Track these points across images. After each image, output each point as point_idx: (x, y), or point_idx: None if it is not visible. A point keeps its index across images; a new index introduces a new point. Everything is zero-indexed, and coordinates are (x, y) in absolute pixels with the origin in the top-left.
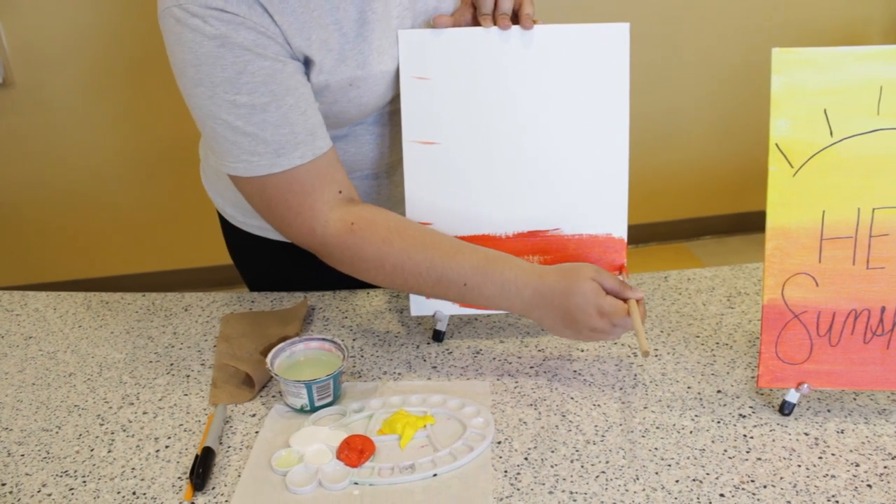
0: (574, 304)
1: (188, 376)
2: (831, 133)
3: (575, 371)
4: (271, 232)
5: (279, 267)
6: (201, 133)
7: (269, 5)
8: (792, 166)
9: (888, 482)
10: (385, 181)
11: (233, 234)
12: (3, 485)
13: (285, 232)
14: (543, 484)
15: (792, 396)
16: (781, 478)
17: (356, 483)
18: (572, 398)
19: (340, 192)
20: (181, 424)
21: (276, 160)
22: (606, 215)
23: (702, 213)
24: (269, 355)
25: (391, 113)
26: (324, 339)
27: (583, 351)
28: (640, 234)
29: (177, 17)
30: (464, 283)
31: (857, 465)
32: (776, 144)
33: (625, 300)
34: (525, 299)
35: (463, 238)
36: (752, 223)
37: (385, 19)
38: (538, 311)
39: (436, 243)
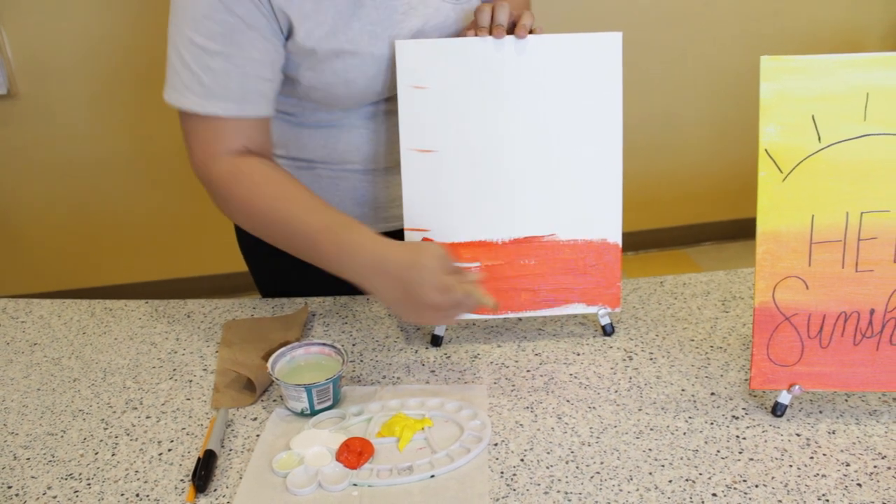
0: (415, 278)
1: (190, 381)
2: (819, 139)
3: (571, 374)
4: None
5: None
6: None
7: None
8: (781, 171)
9: (878, 481)
10: (381, 179)
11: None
12: (10, 487)
13: (190, 161)
14: (539, 485)
15: (784, 398)
16: (773, 477)
17: (355, 484)
18: (568, 401)
19: (247, 147)
20: (184, 428)
21: (202, 102)
22: (601, 221)
23: (701, 220)
24: (270, 360)
25: (387, 112)
26: (324, 344)
27: (579, 355)
28: (640, 241)
29: None
30: (312, 240)
31: (848, 465)
32: (766, 150)
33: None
34: (362, 265)
35: (460, 244)
36: (751, 229)
37: (384, 10)
38: (376, 280)
39: (301, 200)
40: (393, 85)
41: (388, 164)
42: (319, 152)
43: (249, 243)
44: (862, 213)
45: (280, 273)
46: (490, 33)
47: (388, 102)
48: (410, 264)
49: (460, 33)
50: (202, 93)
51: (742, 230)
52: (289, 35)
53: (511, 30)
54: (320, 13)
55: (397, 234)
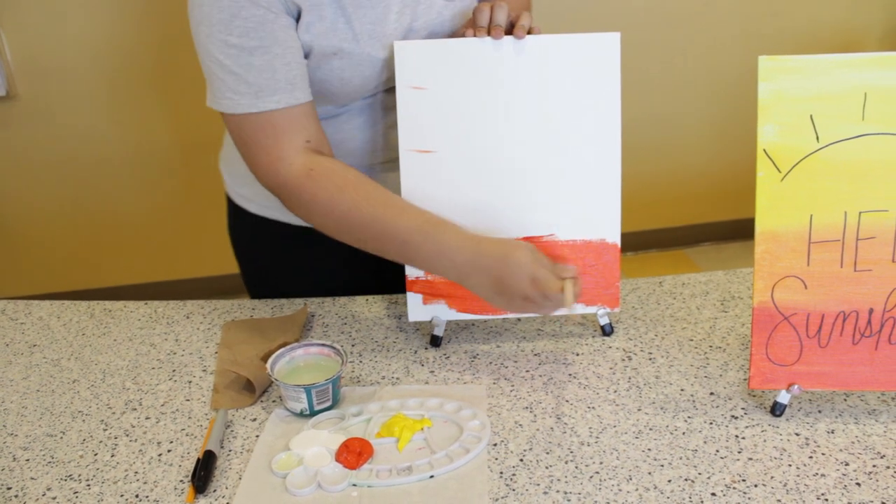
0: (508, 271)
1: (190, 382)
2: (818, 138)
3: (570, 374)
4: (278, 211)
5: (281, 253)
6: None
7: None
8: (779, 171)
9: (876, 480)
10: (377, 176)
11: (239, 217)
12: (9, 489)
13: (254, 170)
14: (538, 485)
15: (783, 397)
16: (772, 477)
17: (355, 485)
18: (567, 401)
19: (309, 141)
20: (183, 429)
21: (255, 101)
22: (600, 221)
23: (700, 220)
24: (270, 361)
25: (385, 109)
26: (323, 345)
27: (578, 355)
28: (639, 242)
29: None
30: (403, 241)
31: (847, 465)
32: (764, 150)
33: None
34: (461, 263)
35: None
36: (749, 229)
37: (381, 9)
38: (473, 277)
39: (385, 200)
40: (388, 80)
41: (384, 158)
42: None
43: (244, 246)
44: (860, 213)
45: (274, 277)
46: (488, 33)
47: (385, 94)
48: (503, 256)
49: (457, 32)
50: (251, 92)
51: (741, 230)
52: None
53: (509, 30)
54: (323, 8)
55: None
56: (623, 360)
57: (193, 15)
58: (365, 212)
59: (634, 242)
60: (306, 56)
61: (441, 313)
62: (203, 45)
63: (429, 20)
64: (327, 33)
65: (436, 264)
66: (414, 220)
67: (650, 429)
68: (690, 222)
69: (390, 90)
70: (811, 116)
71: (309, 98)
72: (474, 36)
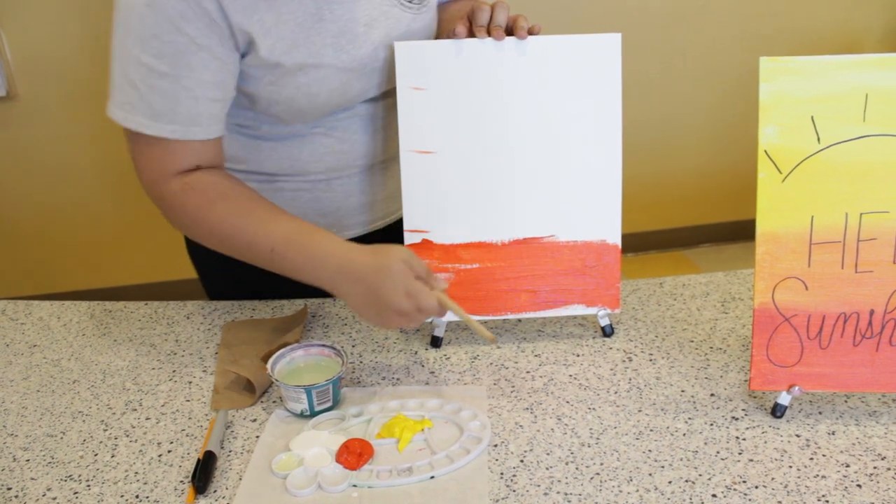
0: (381, 282)
1: (190, 382)
2: (819, 140)
3: (570, 375)
4: None
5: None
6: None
7: None
8: (780, 172)
9: (877, 482)
10: (343, 188)
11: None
12: (9, 489)
13: (138, 176)
14: (539, 486)
15: (783, 399)
16: (773, 478)
17: (355, 485)
18: (567, 402)
19: (199, 166)
20: (183, 429)
21: (149, 122)
22: (601, 222)
23: (700, 222)
24: (270, 361)
25: (350, 118)
26: (323, 346)
27: (578, 356)
28: (638, 243)
29: None
30: (271, 249)
31: (848, 466)
32: (765, 151)
33: (431, 289)
34: (331, 271)
35: (459, 245)
36: (749, 231)
37: (344, 23)
38: (344, 286)
39: (255, 211)
40: (355, 96)
41: (350, 172)
42: (280, 165)
43: (201, 249)
44: (861, 214)
45: (232, 277)
46: (489, 34)
47: (347, 111)
48: (377, 268)
49: (446, 30)
50: (149, 114)
51: (740, 232)
52: (248, 51)
53: (509, 30)
54: (280, 26)
55: (360, 241)
56: (623, 361)
57: (117, 18)
58: (233, 223)
59: (634, 244)
60: (273, 73)
61: None
62: (115, 48)
63: (399, 34)
64: (289, 50)
65: (306, 273)
66: (282, 229)
67: (651, 430)
68: (690, 223)
69: (353, 106)
70: (812, 118)
71: (209, 136)
72: (467, 35)
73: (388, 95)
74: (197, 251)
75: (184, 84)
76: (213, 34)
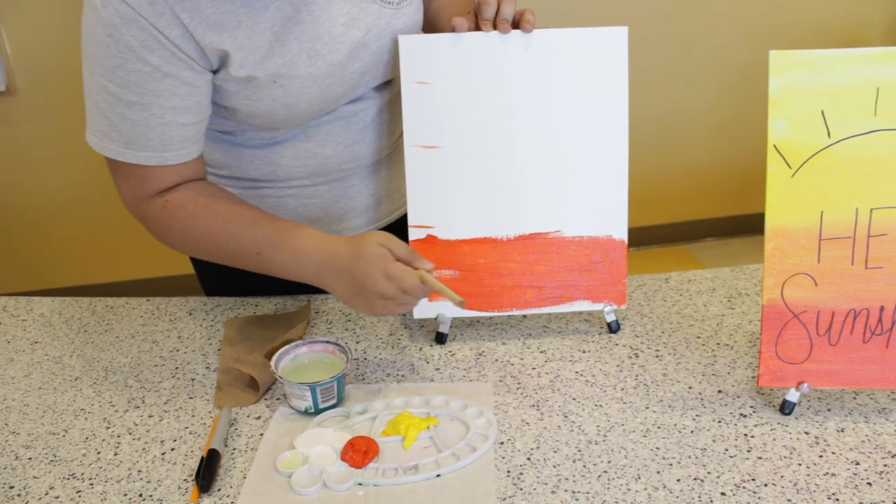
0: (361, 269)
1: (193, 380)
2: (829, 134)
3: (577, 372)
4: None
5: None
6: None
7: (176, 2)
8: (790, 167)
9: (888, 480)
10: (330, 193)
11: None
12: (11, 487)
13: (119, 195)
14: (546, 484)
15: (792, 396)
16: (782, 476)
17: (360, 484)
18: (574, 399)
19: (178, 184)
20: (186, 427)
21: (123, 150)
22: (607, 217)
23: (703, 216)
24: (274, 358)
25: (333, 121)
26: (327, 342)
27: (584, 352)
28: (641, 237)
29: None
30: (257, 252)
31: (858, 464)
32: (774, 146)
33: (415, 269)
34: (316, 265)
35: (464, 241)
36: (752, 225)
37: (322, 23)
38: (329, 279)
39: (236, 216)
40: (335, 100)
41: (336, 177)
42: (262, 170)
43: None
44: (872, 210)
45: (228, 275)
46: (495, 28)
47: (328, 114)
48: (356, 256)
49: (442, 25)
50: (122, 142)
51: (743, 226)
52: (221, 66)
53: (515, 26)
54: (255, 38)
55: None
56: (630, 357)
57: (83, 46)
58: (217, 233)
59: (637, 238)
60: (248, 87)
61: (446, 310)
62: (85, 79)
63: (379, 31)
64: (265, 60)
65: (293, 270)
66: (263, 230)
67: (658, 427)
68: (693, 218)
69: (337, 108)
70: (822, 112)
71: (183, 159)
72: (469, 29)
73: (369, 97)
74: None
75: (153, 112)
76: (178, 60)
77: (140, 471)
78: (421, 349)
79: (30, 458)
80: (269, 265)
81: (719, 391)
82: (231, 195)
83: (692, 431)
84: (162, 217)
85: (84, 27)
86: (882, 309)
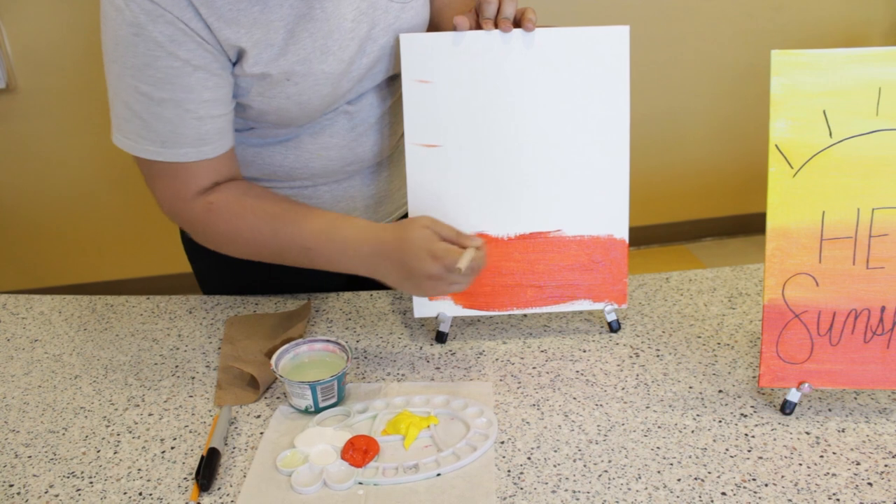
0: (407, 252)
1: (193, 378)
2: (831, 134)
3: (577, 371)
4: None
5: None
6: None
7: None
8: (792, 167)
9: (889, 480)
10: (345, 190)
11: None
12: (11, 486)
13: (158, 202)
14: (546, 483)
15: (793, 396)
16: (783, 476)
17: (360, 483)
18: (575, 398)
19: (217, 182)
20: (186, 426)
21: (160, 150)
22: (608, 217)
23: (703, 215)
24: (274, 357)
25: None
26: (328, 341)
27: (585, 352)
28: (641, 236)
29: None
30: (307, 248)
31: (858, 464)
32: (776, 145)
33: (464, 248)
34: (366, 256)
35: None
36: (752, 225)
37: (334, 20)
38: (381, 267)
39: (282, 213)
40: (343, 94)
41: (339, 176)
42: (264, 170)
43: (195, 246)
44: (873, 210)
45: (227, 274)
46: (496, 26)
47: (334, 114)
48: (401, 241)
49: (444, 24)
50: (158, 141)
51: (743, 226)
52: (237, 62)
53: (516, 24)
54: (270, 35)
55: None
56: (630, 356)
57: (106, 50)
58: (265, 231)
59: (636, 237)
60: (261, 85)
61: (446, 309)
62: (113, 83)
63: (387, 25)
64: (279, 57)
65: (345, 263)
66: (313, 225)
67: (659, 427)
68: (693, 217)
69: (350, 102)
70: (824, 111)
71: (220, 152)
72: (470, 28)
73: (373, 98)
74: (192, 247)
75: (186, 107)
76: (206, 53)
77: (140, 469)
78: (421, 348)
79: (29, 457)
80: (319, 259)
81: (720, 391)
82: (273, 194)
83: (693, 431)
84: (206, 219)
85: (107, 30)
86: (883, 309)
